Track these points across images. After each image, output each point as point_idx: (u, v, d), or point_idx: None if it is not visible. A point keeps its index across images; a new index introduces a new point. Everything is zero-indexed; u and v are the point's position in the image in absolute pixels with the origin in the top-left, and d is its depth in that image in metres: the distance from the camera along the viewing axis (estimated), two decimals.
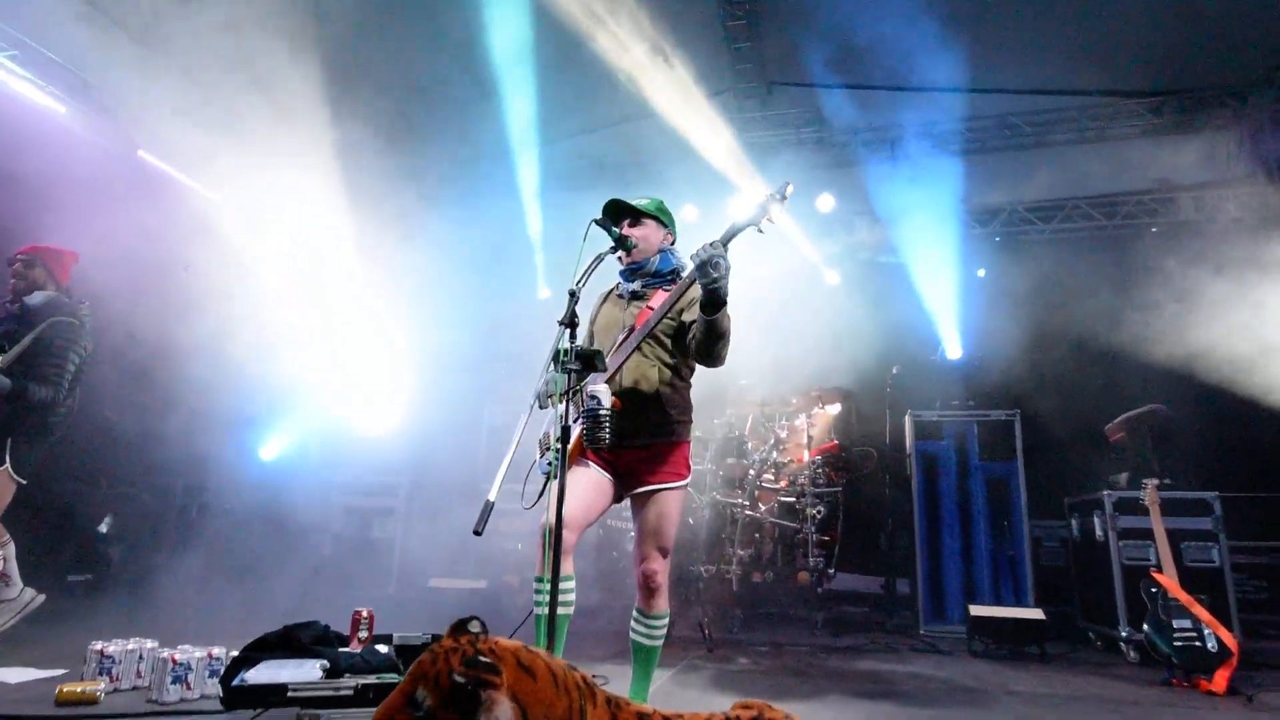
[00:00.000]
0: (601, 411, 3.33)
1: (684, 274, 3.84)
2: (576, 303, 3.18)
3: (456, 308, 8.67)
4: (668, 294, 3.74)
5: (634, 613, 3.63)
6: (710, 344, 3.42)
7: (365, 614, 4.07)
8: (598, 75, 8.35)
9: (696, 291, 3.50)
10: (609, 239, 3.76)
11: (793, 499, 7.77)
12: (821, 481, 7.84)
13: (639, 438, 3.61)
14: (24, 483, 4.95)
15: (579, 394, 3.50)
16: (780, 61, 9.26)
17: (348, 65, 8.24)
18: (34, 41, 7.25)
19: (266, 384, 7.57)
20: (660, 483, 3.60)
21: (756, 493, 7.76)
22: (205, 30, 7.22)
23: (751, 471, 7.67)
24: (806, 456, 7.77)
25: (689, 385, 3.86)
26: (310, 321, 8.05)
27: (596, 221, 3.68)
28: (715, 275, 3.23)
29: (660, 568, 3.57)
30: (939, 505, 7.83)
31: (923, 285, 9.26)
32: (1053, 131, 9.60)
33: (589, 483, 3.59)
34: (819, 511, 7.58)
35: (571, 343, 3.11)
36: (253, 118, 7.78)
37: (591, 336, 4.01)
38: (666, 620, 3.64)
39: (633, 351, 3.65)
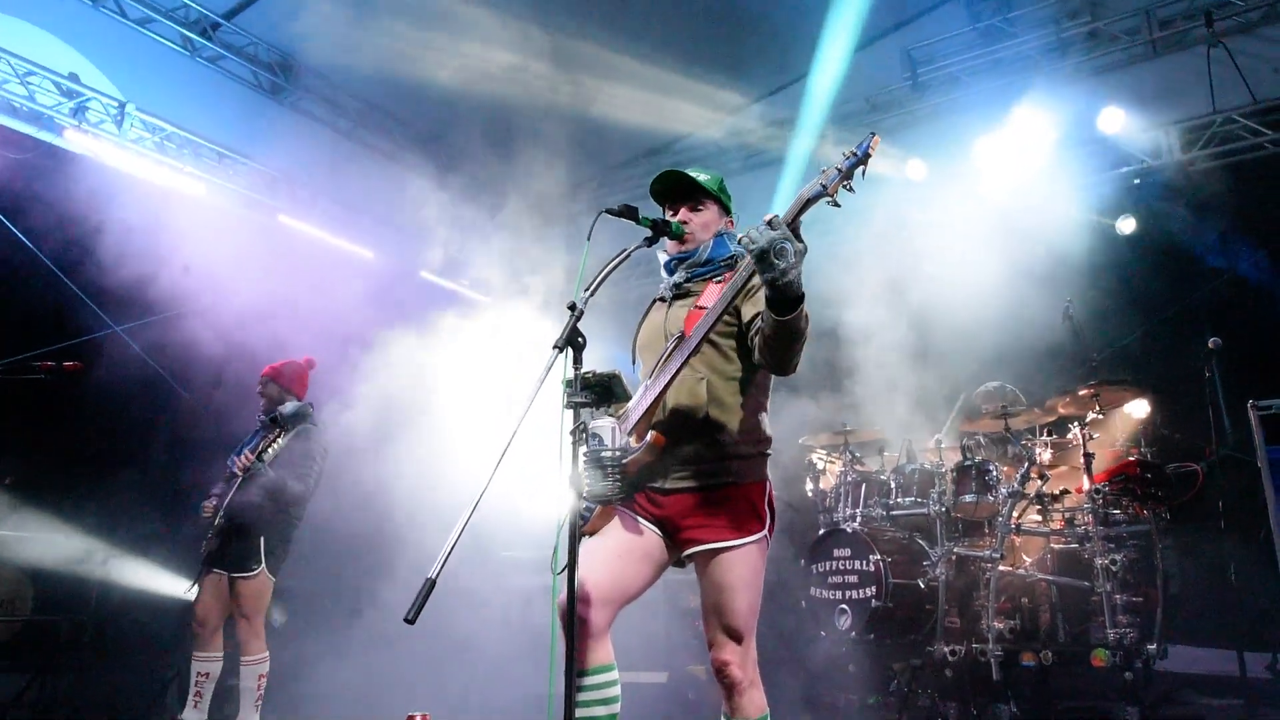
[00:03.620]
0: (605, 454, 2.73)
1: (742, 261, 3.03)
2: (579, 318, 2.60)
3: None
4: (721, 286, 2.91)
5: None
6: (781, 349, 2.65)
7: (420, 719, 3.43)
8: None
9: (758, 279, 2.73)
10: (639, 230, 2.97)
11: (1075, 545, 5.60)
12: (1119, 517, 5.57)
13: (684, 479, 2.86)
14: (274, 580, 5.23)
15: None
16: None
17: None
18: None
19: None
20: (717, 540, 2.79)
21: (1015, 540, 5.62)
22: None
23: (1003, 511, 5.54)
24: (1087, 484, 5.53)
25: (757, 403, 2.98)
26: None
27: (610, 211, 2.89)
28: (782, 265, 2.43)
29: (734, 657, 2.78)
30: None
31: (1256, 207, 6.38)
32: None
33: (622, 543, 2.89)
34: (1116, 561, 5.32)
35: (577, 369, 2.56)
36: None
37: (634, 358, 3.23)
38: None
39: (681, 367, 2.82)
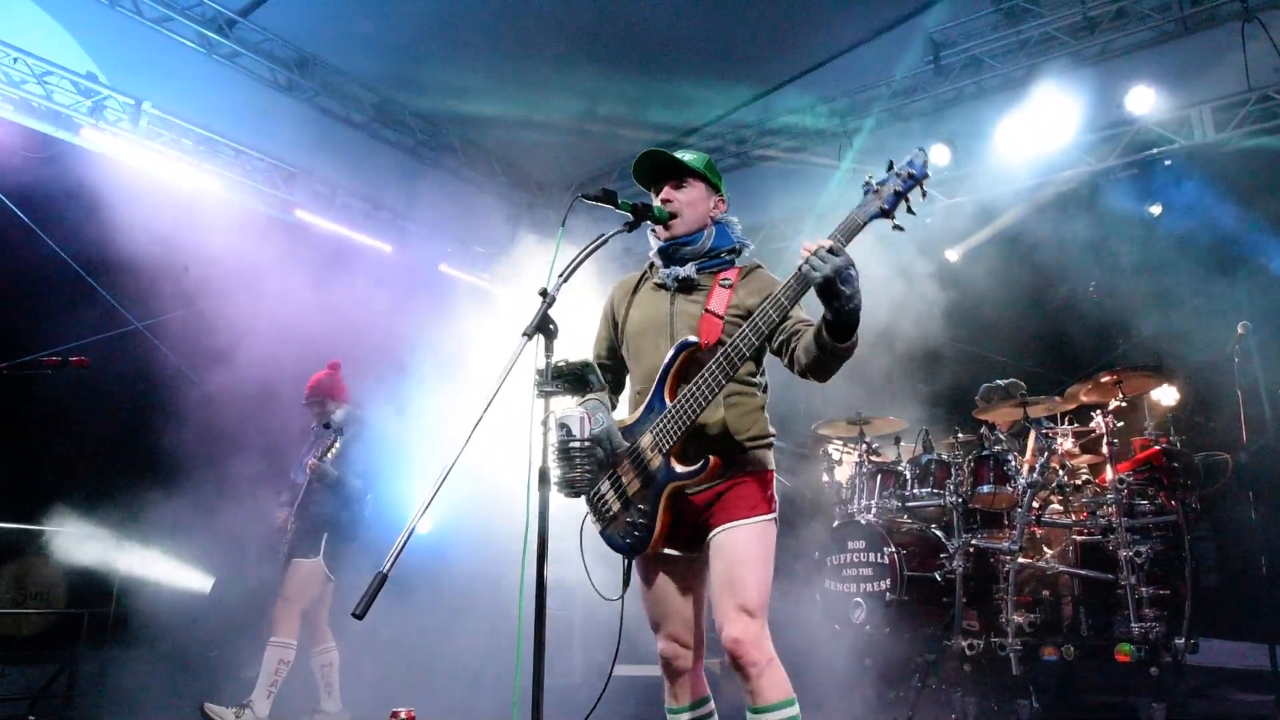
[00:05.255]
0: (573, 445, 2.72)
1: (746, 251, 3.08)
2: (550, 305, 2.55)
3: None
4: (729, 289, 2.91)
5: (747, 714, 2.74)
6: (832, 368, 2.69)
7: (404, 715, 3.35)
8: None
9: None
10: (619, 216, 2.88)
11: (1098, 536, 5.42)
12: (1145, 508, 5.38)
13: (704, 481, 2.79)
14: (334, 581, 5.55)
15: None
16: None
17: None
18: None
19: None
20: (733, 519, 2.76)
21: (1036, 532, 5.46)
22: None
23: (1022, 502, 5.38)
24: (1111, 474, 5.33)
25: (764, 394, 2.96)
26: None
27: (587, 197, 2.81)
28: (848, 292, 2.45)
29: (748, 635, 2.66)
30: None
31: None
32: None
33: (680, 582, 2.92)
34: (1141, 553, 5.15)
35: (548, 357, 2.52)
36: None
37: (621, 343, 3.12)
38: (793, 710, 2.68)
39: (715, 393, 2.70)
